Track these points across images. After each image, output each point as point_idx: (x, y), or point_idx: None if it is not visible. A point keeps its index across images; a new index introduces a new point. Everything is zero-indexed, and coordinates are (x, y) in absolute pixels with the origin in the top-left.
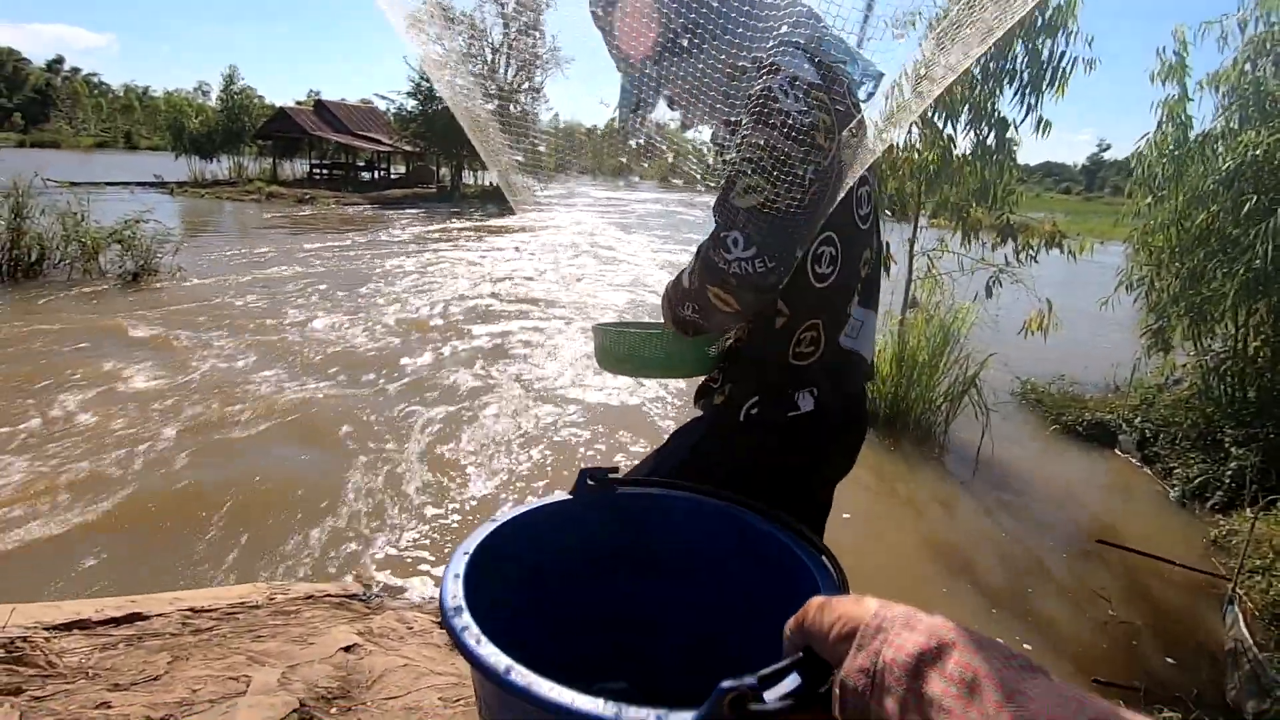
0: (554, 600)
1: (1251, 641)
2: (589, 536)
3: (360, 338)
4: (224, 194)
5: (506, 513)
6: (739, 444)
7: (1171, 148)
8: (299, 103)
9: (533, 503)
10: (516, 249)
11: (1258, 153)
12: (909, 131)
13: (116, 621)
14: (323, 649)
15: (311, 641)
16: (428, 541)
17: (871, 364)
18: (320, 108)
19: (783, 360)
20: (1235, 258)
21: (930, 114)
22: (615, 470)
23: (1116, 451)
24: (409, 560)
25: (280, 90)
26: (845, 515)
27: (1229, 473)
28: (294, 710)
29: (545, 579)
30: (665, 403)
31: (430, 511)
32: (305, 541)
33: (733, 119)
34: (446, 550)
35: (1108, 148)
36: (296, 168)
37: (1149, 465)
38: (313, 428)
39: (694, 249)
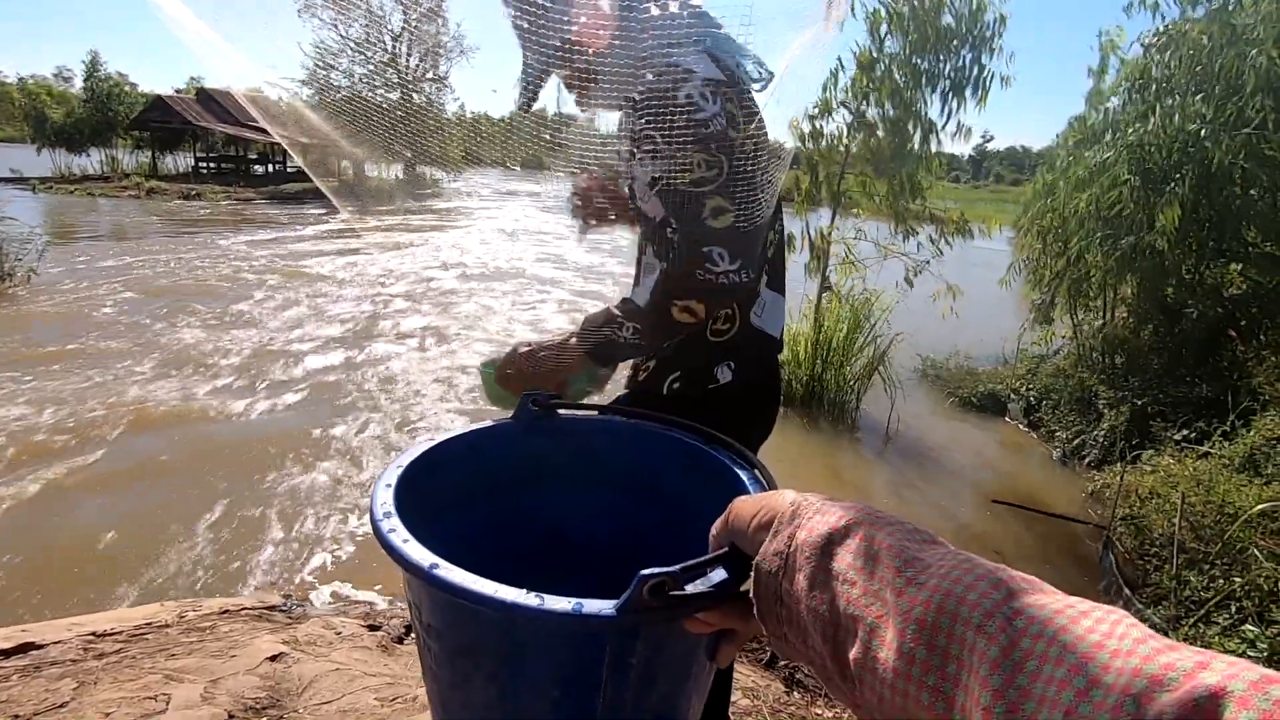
0: (498, 515)
1: (1122, 579)
2: (531, 454)
3: (254, 347)
4: (96, 190)
5: (446, 433)
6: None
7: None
8: (179, 90)
9: (474, 425)
10: (438, 247)
11: (1132, 139)
12: (836, 121)
13: (6, 653)
14: (247, 661)
15: (234, 654)
16: (345, 549)
17: (780, 341)
18: (204, 96)
19: (701, 337)
20: (1109, 237)
21: (861, 107)
22: (559, 396)
23: (1006, 419)
24: (328, 568)
25: (155, 76)
26: None
27: (1102, 432)
28: None
29: (489, 495)
30: None
31: (347, 519)
32: (207, 561)
33: (638, 106)
34: (363, 556)
35: (991, 139)
36: (180, 162)
37: (1034, 429)
38: (195, 446)
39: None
